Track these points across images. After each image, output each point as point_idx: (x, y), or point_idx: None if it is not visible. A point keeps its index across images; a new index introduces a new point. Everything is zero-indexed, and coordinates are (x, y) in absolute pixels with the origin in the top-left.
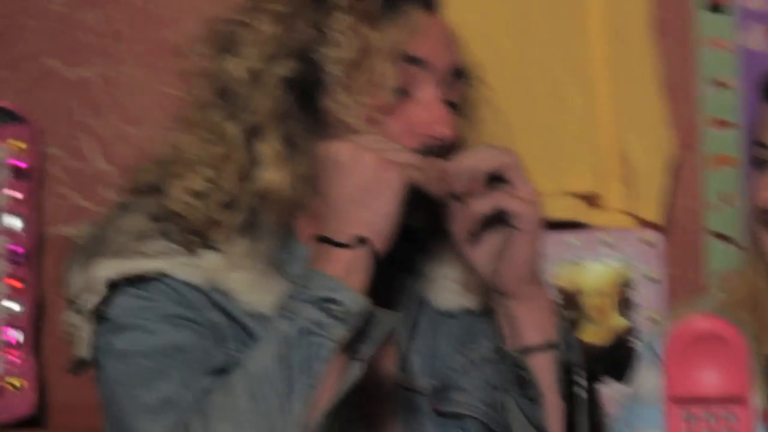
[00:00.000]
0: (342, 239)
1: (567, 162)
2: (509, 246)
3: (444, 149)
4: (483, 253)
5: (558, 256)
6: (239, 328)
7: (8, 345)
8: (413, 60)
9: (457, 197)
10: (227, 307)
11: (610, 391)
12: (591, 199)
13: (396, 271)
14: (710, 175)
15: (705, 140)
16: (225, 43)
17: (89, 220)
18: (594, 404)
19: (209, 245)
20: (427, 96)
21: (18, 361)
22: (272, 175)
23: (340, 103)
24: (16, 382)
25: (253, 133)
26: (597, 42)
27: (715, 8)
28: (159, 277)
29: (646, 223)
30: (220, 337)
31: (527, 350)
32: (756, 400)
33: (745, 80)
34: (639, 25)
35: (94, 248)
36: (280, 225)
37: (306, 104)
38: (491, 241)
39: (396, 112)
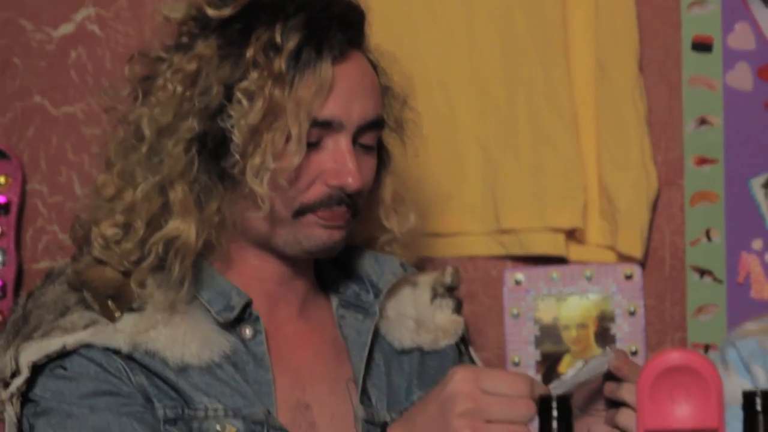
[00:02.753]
0: None
1: (550, 198)
2: None
3: (350, 198)
4: None
5: (539, 290)
6: (165, 385)
7: None
8: (322, 123)
9: None
10: (151, 367)
11: None
12: (573, 234)
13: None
14: (693, 210)
15: (689, 177)
16: (143, 89)
17: (69, 254)
18: None
19: (126, 307)
20: (336, 147)
21: None
22: (179, 225)
23: (241, 169)
24: None
25: (163, 183)
26: (582, 79)
27: (701, 47)
28: (81, 349)
29: (626, 258)
30: (146, 399)
31: None
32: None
33: (729, 118)
34: (625, 63)
35: (19, 329)
36: (188, 271)
37: (213, 159)
38: None
39: (304, 162)
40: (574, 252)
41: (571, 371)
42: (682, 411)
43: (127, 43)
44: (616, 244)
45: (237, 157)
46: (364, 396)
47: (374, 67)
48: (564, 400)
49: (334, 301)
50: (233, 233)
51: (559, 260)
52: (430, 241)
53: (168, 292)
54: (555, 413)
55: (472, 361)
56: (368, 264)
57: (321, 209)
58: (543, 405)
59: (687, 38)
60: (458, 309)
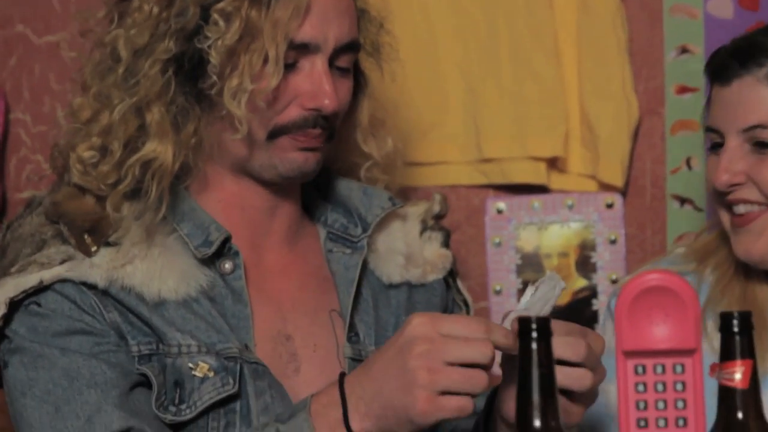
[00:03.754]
0: (353, 419)
1: (531, 127)
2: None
3: (326, 120)
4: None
5: (521, 219)
6: (139, 321)
7: None
8: (299, 46)
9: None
10: (125, 303)
11: None
12: (554, 163)
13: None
14: (674, 139)
15: (669, 105)
16: (119, 11)
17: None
18: (546, 360)
19: (103, 241)
20: (312, 69)
21: None
22: (156, 146)
23: (218, 90)
24: None
25: (140, 104)
26: (564, 8)
27: None
28: (56, 285)
29: (607, 187)
30: (120, 337)
31: None
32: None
33: (710, 47)
34: None
35: None
36: (165, 193)
37: (190, 81)
38: None
39: (281, 84)
40: (556, 181)
41: (523, 300)
42: (660, 332)
43: None
44: (597, 173)
45: (214, 78)
46: (352, 332)
47: None
48: (543, 321)
49: (322, 233)
50: (210, 156)
51: (541, 189)
52: (412, 170)
53: (145, 217)
54: (534, 334)
55: (460, 294)
56: (356, 197)
57: (295, 131)
58: (522, 327)
59: None
60: (446, 242)
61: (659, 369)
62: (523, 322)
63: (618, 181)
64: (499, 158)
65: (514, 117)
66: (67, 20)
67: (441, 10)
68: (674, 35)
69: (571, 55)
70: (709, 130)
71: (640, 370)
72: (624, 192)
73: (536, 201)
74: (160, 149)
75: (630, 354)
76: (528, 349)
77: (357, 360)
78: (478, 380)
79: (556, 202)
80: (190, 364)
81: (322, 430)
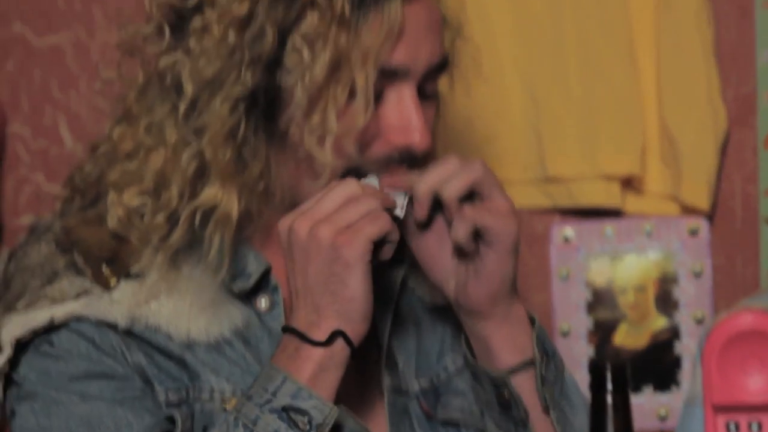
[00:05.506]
0: (313, 335)
1: (603, 140)
2: (483, 264)
3: (416, 158)
4: (448, 271)
5: (591, 248)
6: (168, 362)
7: None
8: (390, 72)
9: (426, 224)
10: (153, 342)
11: (650, 401)
12: (630, 183)
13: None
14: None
15: (763, 115)
16: (177, 32)
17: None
18: (623, 415)
19: (123, 273)
20: (400, 99)
21: None
22: (219, 192)
23: (300, 129)
24: None
25: (200, 142)
26: (640, 3)
27: None
28: (71, 323)
29: (691, 210)
30: (145, 382)
31: (504, 372)
32: None
33: None
34: None
35: (0, 296)
36: (227, 248)
37: (264, 119)
38: (459, 259)
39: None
40: (632, 203)
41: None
42: (756, 383)
43: None
44: (680, 194)
45: (297, 116)
46: (390, 360)
47: None
48: (621, 370)
49: None
50: (281, 203)
51: (614, 213)
52: None
53: (204, 274)
54: (610, 386)
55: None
56: None
57: (375, 170)
58: (595, 376)
59: None
60: None
61: (755, 427)
62: (597, 370)
63: (703, 203)
64: (566, 177)
65: (583, 129)
66: (71, 18)
67: (499, 5)
68: None
69: (649, 57)
70: None
71: (732, 427)
72: (710, 216)
73: (609, 227)
74: (221, 195)
75: (721, 409)
76: (602, 404)
77: (398, 392)
78: (378, 216)
79: (632, 228)
80: (224, 406)
81: (294, 366)
